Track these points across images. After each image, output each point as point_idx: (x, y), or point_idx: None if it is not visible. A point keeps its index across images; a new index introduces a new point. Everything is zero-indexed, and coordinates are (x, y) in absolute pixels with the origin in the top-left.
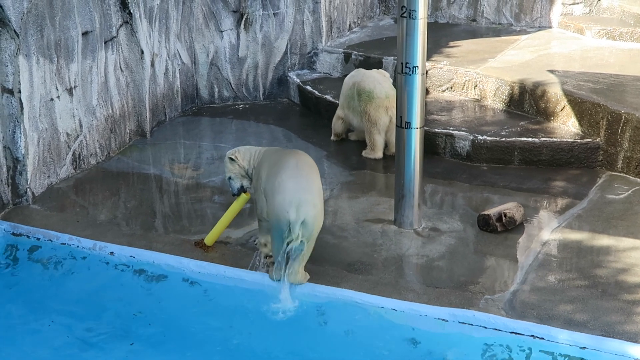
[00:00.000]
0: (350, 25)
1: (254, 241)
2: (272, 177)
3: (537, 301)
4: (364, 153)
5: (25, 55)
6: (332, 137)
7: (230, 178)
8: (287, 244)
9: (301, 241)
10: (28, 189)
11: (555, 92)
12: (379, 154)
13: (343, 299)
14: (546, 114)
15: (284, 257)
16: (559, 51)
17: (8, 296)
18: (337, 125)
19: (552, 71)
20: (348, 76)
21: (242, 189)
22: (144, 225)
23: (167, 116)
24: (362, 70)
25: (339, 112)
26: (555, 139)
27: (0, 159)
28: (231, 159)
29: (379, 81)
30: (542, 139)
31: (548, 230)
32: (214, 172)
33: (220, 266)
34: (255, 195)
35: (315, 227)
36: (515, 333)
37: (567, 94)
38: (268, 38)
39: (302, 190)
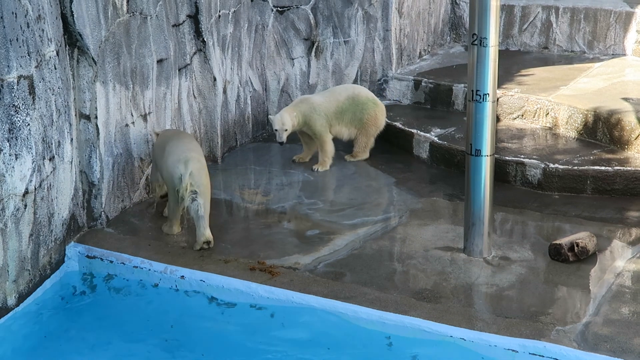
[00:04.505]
0: (420, 52)
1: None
2: (161, 149)
3: (610, 334)
4: (353, 158)
5: (102, 82)
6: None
7: None
8: (182, 199)
9: (194, 191)
10: (102, 213)
11: (629, 120)
12: (367, 154)
13: (411, 326)
14: (620, 143)
15: (180, 215)
16: (633, 79)
17: (79, 318)
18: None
19: (626, 99)
20: (325, 96)
21: None
22: (214, 250)
23: (238, 142)
24: (343, 86)
25: (329, 137)
26: (629, 168)
27: (77, 183)
28: None
29: (369, 91)
30: (616, 167)
31: (622, 261)
32: (283, 197)
33: (289, 291)
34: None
35: (202, 178)
36: None
37: None
38: (338, 65)
39: (187, 151)
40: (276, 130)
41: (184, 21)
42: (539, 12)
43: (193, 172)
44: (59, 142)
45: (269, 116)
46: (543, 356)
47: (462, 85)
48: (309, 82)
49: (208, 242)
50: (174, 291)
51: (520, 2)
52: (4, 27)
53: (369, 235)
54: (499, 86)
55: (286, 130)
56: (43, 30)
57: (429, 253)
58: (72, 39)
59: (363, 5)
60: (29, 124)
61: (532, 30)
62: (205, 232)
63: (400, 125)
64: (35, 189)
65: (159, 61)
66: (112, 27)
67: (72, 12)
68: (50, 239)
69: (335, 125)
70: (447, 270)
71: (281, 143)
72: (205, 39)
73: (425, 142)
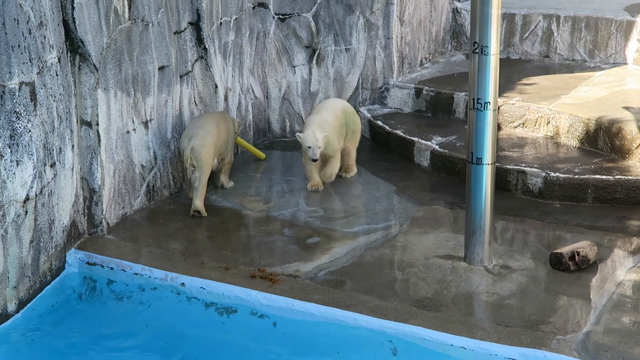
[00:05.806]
0: (421, 60)
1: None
2: None
3: (611, 343)
4: (350, 173)
5: (104, 89)
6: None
7: None
8: (183, 169)
9: (193, 165)
10: (103, 219)
11: (630, 129)
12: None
13: (411, 335)
14: (621, 152)
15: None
16: (634, 88)
17: (79, 325)
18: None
19: (627, 108)
20: (328, 114)
21: None
22: (214, 257)
23: (239, 150)
24: (330, 100)
25: (339, 154)
26: (630, 177)
27: (77, 190)
28: None
29: None
30: (617, 176)
31: (623, 270)
32: (284, 205)
33: (289, 299)
34: None
35: (202, 154)
36: None
37: None
38: (340, 73)
39: (195, 128)
40: (309, 147)
41: (185, 28)
42: (540, 21)
43: (194, 147)
44: (60, 148)
45: (298, 133)
46: None
47: (463, 93)
48: (310, 90)
49: (198, 212)
50: (174, 298)
51: (522, 11)
52: (6, 34)
53: (369, 243)
54: (500, 94)
55: (320, 147)
56: (45, 36)
57: (429, 261)
58: (73, 45)
59: (364, 13)
60: (30, 131)
61: (533, 39)
62: (196, 202)
63: (401, 134)
64: (36, 195)
65: (161, 68)
66: (114, 34)
67: (74, 18)
68: (51, 246)
69: (340, 141)
70: (447, 278)
71: (315, 160)
72: (206, 46)
73: (426, 150)
